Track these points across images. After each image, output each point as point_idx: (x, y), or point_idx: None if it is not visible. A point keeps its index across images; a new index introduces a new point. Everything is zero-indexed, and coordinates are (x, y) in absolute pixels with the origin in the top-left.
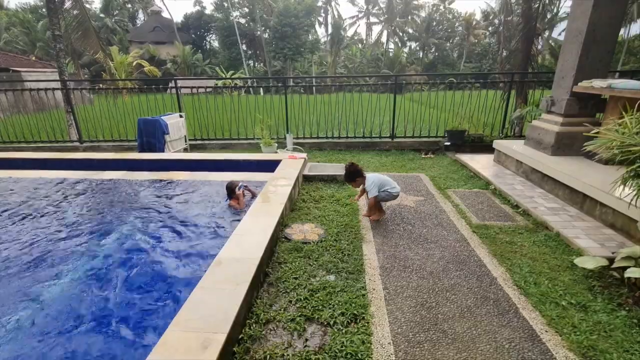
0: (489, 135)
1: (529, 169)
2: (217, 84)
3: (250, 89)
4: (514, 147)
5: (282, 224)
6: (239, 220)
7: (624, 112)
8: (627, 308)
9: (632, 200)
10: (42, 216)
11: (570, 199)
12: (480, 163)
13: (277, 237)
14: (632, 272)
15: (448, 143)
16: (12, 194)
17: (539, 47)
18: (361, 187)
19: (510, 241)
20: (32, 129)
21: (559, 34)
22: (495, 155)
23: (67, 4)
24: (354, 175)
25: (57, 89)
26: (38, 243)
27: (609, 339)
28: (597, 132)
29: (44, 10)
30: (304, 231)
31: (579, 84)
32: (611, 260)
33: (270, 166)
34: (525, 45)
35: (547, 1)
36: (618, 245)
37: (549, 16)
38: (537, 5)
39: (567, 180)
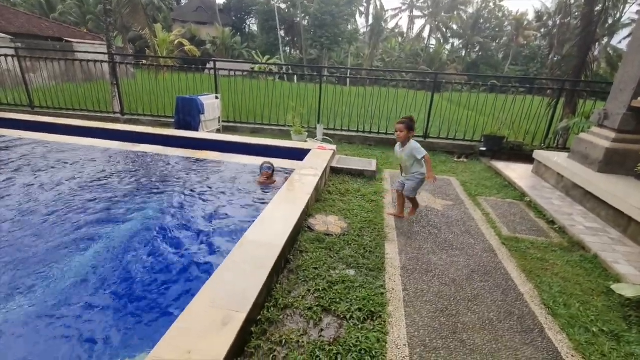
0: (530, 144)
1: (571, 184)
2: (252, 68)
3: (285, 75)
4: (556, 159)
5: (306, 214)
6: (265, 203)
7: None
8: None
9: None
10: (81, 183)
11: (614, 221)
12: (516, 172)
13: (301, 226)
14: None
15: (484, 148)
16: (58, 161)
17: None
18: (399, 150)
19: (541, 258)
20: (80, 98)
21: (619, 42)
22: (534, 166)
23: None
24: (414, 125)
25: (105, 61)
26: (76, 208)
27: None
28: None
29: None
30: (328, 223)
31: (639, 98)
32: None
33: (299, 155)
34: (581, 51)
35: (610, 4)
36: None
37: (610, 21)
38: (599, 8)
39: (612, 200)
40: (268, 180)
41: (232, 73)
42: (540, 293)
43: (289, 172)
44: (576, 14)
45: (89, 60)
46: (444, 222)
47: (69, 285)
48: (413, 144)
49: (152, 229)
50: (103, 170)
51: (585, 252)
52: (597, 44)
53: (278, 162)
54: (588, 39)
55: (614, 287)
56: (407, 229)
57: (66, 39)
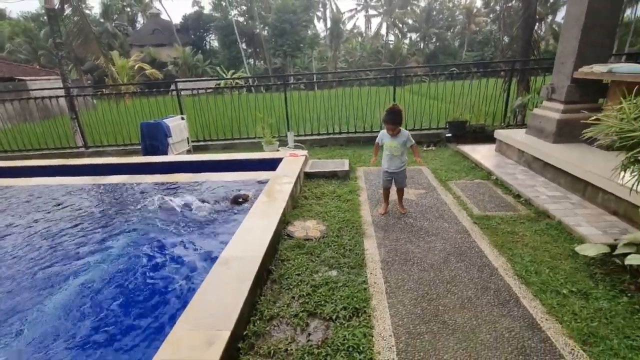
0: (491, 125)
1: (531, 158)
2: (218, 85)
3: (252, 87)
4: (515, 136)
5: (284, 222)
6: (240, 218)
7: (622, 98)
8: (628, 294)
9: (633, 186)
10: (49, 222)
11: (572, 187)
12: (481, 153)
13: (280, 235)
14: (634, 259)
15: (449, 134)
16: (20, 203)
17: (542, 32)
18: (383, 143)
19: (511, 231)
20: (39, 137)
21: (562, 18)
22: (496, 145)
23: (67, 11)
24: (401, 116)
25: (61, 96)
26: (48, 248)
27: (609, 326)
28: (597, 119)
29: (45, 18)
30: (306, 228)
31: (580, 69)
32: (613, 247)
33: (272, 164)
34: (525, 31)
35: None
36: (620, 232)
37: (551, 0)
38: None
39: (569, 168)
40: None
41: (195, 92)
42: (512, 265)
43: (262, 185)
44: None
45: (44, 97)
46: (419, 210)
47: (50, 322)
48: (405, 132)
49: (129, 260)
50: (70, 208)
51: (550, 219)
52: (542, 22)
53: (252, 175)
54: (530, 19)
55: (578, 248)
56: (384, 222)
57: (18, 77)
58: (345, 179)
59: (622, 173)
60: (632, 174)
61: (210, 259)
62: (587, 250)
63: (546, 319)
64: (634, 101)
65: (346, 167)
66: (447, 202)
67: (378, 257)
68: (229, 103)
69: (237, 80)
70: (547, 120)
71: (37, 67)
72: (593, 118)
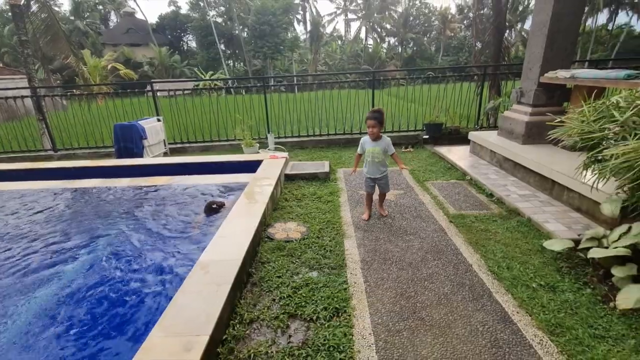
0: (465, 127)
1: (502, 158)
2: (196, 86)
3: (232, 89)
4: (488, 138)
5: (264, 224)
6: (217, 225)
7: (583, 102)
8: (592, 286)
9: (593, 184)
10: (19, 228)
11: (541, 186)
12: (457, 155)
13: (260, 237)
14: (595, 252)
15: (426, 136)
16: None
17: (512, 39)
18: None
19: (485, 229)
20: (3, 139)
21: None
22: (471, 147)
23: (34, 8)
24: (384, 118)
25: (27, 96)
26: (23, 254)
27: (574, 316)
28: (561, 121)
29: (9, 14)
30: (287, 230)
31: (545, 75)
32: (577, 242)
33: (251, 167)
34: (496, 37)
35: None
36: (584, 227)
37: (520, 8)
38: None
39: (537, 168)
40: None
41: (172, 93)
42: (486, 261)
43: (242, 186)
44: (490, 3)
45: (7, 97)
46: (397, 210)
47: (22, 328)
48: (387, 138)
49: (101, 266)
50: (39, 213)
51: (521, 217)
52: (511, 29)
53: (231, 178)
54: (500, 26)
55: (546, 244)
56: (364, 223)
57: None
58: (326, 181)
59: (584, 172)
60: (593, 173)
61: (189, 263)
62: (554, 245)
63: (517, 312)
64: (593, 104)
65: (326, 169)
66: (425, 202)
67: (358, 257)
68: (207, 105)
69: (216, 82)
70: (517, 122)
71: (1, 65)
72: (557, 120)
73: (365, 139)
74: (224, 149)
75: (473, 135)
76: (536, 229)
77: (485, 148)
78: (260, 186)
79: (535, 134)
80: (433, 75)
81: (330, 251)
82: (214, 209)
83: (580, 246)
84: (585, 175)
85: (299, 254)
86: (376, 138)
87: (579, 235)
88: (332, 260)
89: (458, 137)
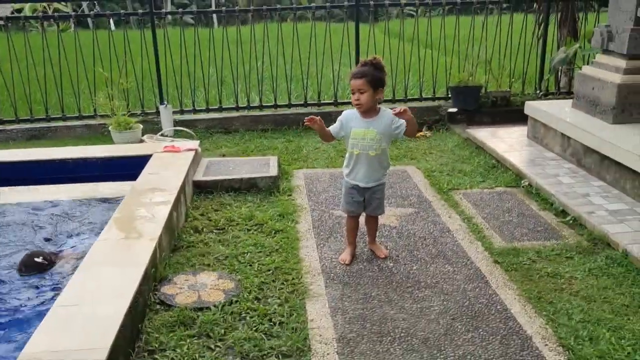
0: (520, 93)
1: (581, 148)
2: (15, 12)
3: (90, 20)
4: (557, 113)
5: (154, 278)
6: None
7: None
8: None
9: None
10: None
11: None
12: (506, 141)
13: (147, 304)
14: None
15: (453, 109)
16: None
17: None
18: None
19: (553, 272)
20: None
21: None
22: (529, 128)
23: None
24: (384, 76)
25: None
26: None
27: None
28: None
29: None
30: (198, 287)
31: None
32: None
33: (129, 168)
34: None
35: None
36: None
37: None
38: None
39: (638, 164)
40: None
41: None
42: (555, 329)
43: (110, 207)
44: None
45: None
46: (403, 244)
47: None
48: (388, 111)
49: None
50: None
51: (612, 250)
52: None
53: (86, 191)
54: None
55: None
56: (342, 269)
57: None
58: (272, 192)
59: None
60: None
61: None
62: None
63: None
64: None
65: (273, 171)
66: (451, 229)
67: (332, 332)
68: (38, 49)
69: (57, 4)
70: (603, 85)
71: None
72: None
73: (350, 114)
74: (75, 134)
75: (532, 107)
76: (637, 270)
77: (552, 130)
78: (146, 205)
79: (634, 105)
80: (463, 0)
81: (280, 324)
82: (38, 266)
83: None
84: None
85: (222, 332)
86: (369, 113)
87: None
88: (283, 342)
89: (507, 112)
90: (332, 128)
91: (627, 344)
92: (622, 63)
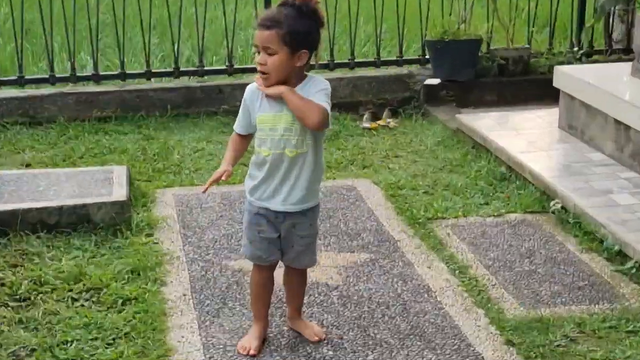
0: (547, 51)
1: None
2: None
3: None
4: (608, 86)
5: None
6: None
7: None
8: None
9: None
10: None
11: None
12: (524, 136)
13: None
14: None
15: (434, 81)
16: None
17: None
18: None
19: (604, 358)
20: None
21: None
22: (561, 111)
23: None
24: (310, 30)
25: None
26: None
27: None
28: None
29: None
30: None
31: None
32: None
33: None
34: None
35: None
36: None
37: None
38: None
39: None
40: None
41: None
42: None
43: None
44: None
45: None
46: (351, 318)
47: None
48: (320, 80)
49: None
50: None
51: None
52: None
53: None
54: None
55: None
56: None
57: None
58: (118, 232)
59: None
60: None
61: None
62: None
63: None
64: None
65: (119, 193)
66: (433, 287)
67: None
68: None
69: None
70: None
71: None
72: None
73: (254, 91)
74: None
75: (566, 76)
76: None
77: (601, 115)
78: None
79: None
80: None
81: None
82: None
83: None
84: None
85: None
86: (282, 84)
87: None
88: None
89: (525, 83)
90: (238, 122)
91: None
92: None
